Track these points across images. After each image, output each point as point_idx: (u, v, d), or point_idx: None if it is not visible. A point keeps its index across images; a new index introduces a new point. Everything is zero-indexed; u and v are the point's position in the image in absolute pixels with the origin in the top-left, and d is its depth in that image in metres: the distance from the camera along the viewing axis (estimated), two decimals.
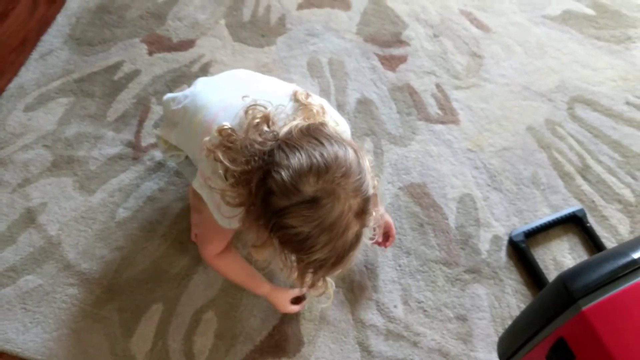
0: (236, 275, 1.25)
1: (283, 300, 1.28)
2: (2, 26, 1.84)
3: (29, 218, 1.46)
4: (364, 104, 1.66)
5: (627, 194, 1.51)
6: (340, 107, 1.65)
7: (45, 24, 1.83)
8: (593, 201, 1.50)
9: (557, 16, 1.85)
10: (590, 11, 1.86)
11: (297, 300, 1.31)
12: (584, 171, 1.55)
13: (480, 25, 1.82)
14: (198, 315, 1.33)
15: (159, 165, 1.53)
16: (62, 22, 1.82)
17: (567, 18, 1.85)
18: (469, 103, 1.67)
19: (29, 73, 1.71)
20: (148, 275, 1.38)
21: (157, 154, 1.55)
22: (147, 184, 1.51)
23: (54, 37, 1.79)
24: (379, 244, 1.36)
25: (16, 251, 1.41)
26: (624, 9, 1.85)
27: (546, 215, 1.47)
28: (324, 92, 1.68)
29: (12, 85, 1.69)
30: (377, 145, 1.59)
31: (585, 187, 1.53)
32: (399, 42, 1.79)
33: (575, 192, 1.52)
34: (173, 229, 1.44)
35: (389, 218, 1.36)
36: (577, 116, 1.65)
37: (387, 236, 1.36)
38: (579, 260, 1.41)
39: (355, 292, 1.36)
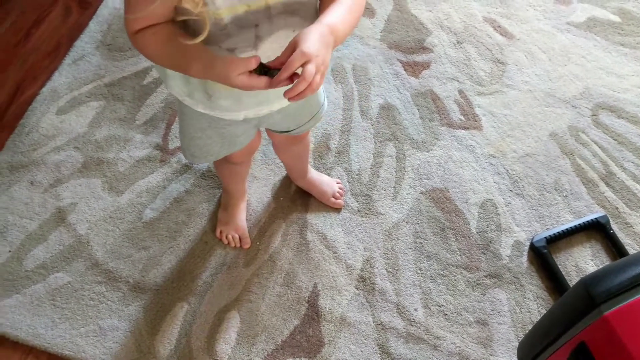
0: (160, 51, 0.88)
1: (226, 73, 0.81)
2: (37, 32, 1.90)
3: (60, 217, 1.51)
4: (387, 109, 1.68)
5: None
6: (363, 113, 1.67)
7: (78, 30, 1.88)
8: (617, 208, 1.49)
9: (581, 23, 1.85)
10: (615, 18, 1.85)
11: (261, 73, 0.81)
12: (608, 178, 1.55)
13: (504, 33, 1.83)
14: (221, 314, 1.36)
15: (186, 168, 1.57)
16: (94, 29, 1.88)
17: (592, 25, 1.84)
18: (491, 109, 1.67)
19: (62, 77, 1.77)
20: (173, 274, 1.41)
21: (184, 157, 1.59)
22: (173, 185, 1.55)
23: (86, 42, 1.84)
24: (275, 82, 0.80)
25: (47, 249, 1.46)
26: None
27: (568, 222, 1.47)
28: (348, 98, 1.70)
29: (46, 89, 1.74)
30: (400, 150, 1.60)
31: (609, 193, 1.52)
32: (423, 48, 1.80)
33: (598, 199, 1.51)
34: (198, 230, 1.47)
35: (309, 33, 0.80)
36: (602, 123, 1.64)
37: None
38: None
39: (376, 294, 1.37)
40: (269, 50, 0.87)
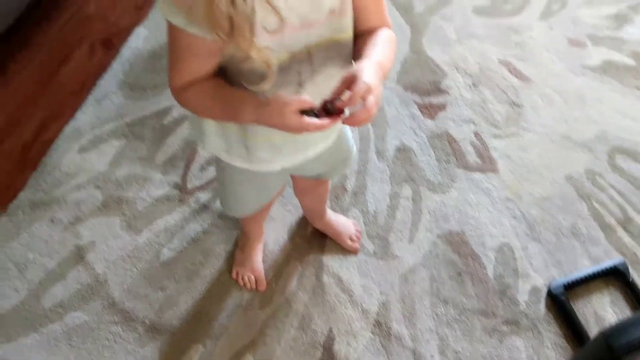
0: (209, 104, 0.90)
1: (283, 113, 0.81)
2: (63, 71, 1.95)
3: (79, 255, 1.53)
4: (403, 151, 1.70)
5: None
6: (379, 154, 1.69)
7: (101, 69, 1.93)
8: (635, 254, 1.48)
9: (597, 66, 1.86)
10: (630, 61, 1.87)
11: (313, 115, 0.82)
12: (626, 223, 1.54)
13: (520, 75, 1.85)
14: (236, 357, 1.36)
15: (204, 208, 1.59)
16: (117, 68, 1.92)
17: (608, 68, 1.86)
18: (507, 152, 1.68)
19: (85, 116, 1.81)
20: (189, 315, 1.42)
21: (203, 196, 1.61)
22: (191, 225, 1.56)
23: (109, 82, 1.89)
24: (338, 112, 0.82)
25: (65, 288, 1.47)
26: None
27: (586, 267, 1.46)
28: (364, 139, 1.72)
29: (69, 128, 1.78)
30: (416, 193, 1.61)
31: (627, 239, 1.51)
32: (439, 90, 1.83)
33: (616, 245, 1.50)
34: (215, 271, 1.48)
35: (366, 67, 0.82)
36: (618, 167, 1.64)
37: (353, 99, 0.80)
38: (620, 315, 1.39)
39: (392, 340, 1.37)
40: (310, 96, 0.88)
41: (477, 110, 1.78)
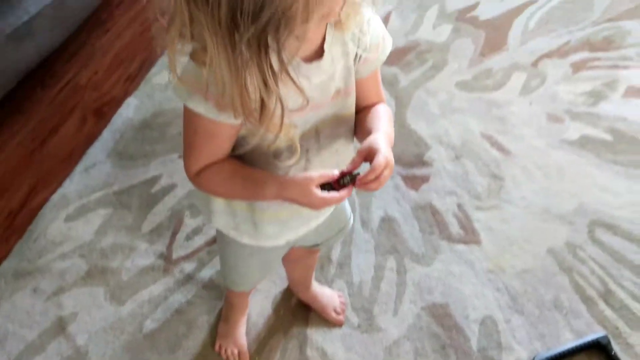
0: (229, 186, 0.91)
1: (306, 190, 0.84)
2: (53, 139, 1.98)
3: (60, 327, 1.51)
4: (388, 221, 1.72)
5: None
6: (364, 224, 1.71)
7: (91, 138, 1.97)
8: (617, 327, 1.49)
9: (575, 141, 1.92)
10: (607, 136, 1.93)
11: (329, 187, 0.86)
12: (607, 296, 1.56)
13: (501, 148, 1.90)
14: None
15: (188, 278, 1.59)
16: (107, 137, 1.96)
17: (585, 143, 1.91)
18: (490, 224, 1.71)
19: (73, 184, 1.82)
20: None
21: (188, 267, 1.61)
22: (175, 296, 1.56)
23: (98, 151, 1.92)
24: (358, 184, 0.85)
25: None
26: None
27: (569, 341, 1.47)
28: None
29: (56, 196, 1.79)
30: (400, 264, 1.62)
31: (609, 312, 1.53)
32: (422, 162, 1.87)
33: (598, 318, 1.52)
34: (198, 343, 1.47)
35: (379, 140, 0.86)
36: (598, 240, 1.67)
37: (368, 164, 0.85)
38: None
39: None
40: (316, 171, 0.91)
41: (460, 182, 1.82)
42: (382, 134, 0.88)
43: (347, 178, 0.84)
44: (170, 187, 1.80)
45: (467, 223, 1.72)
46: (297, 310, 1.53)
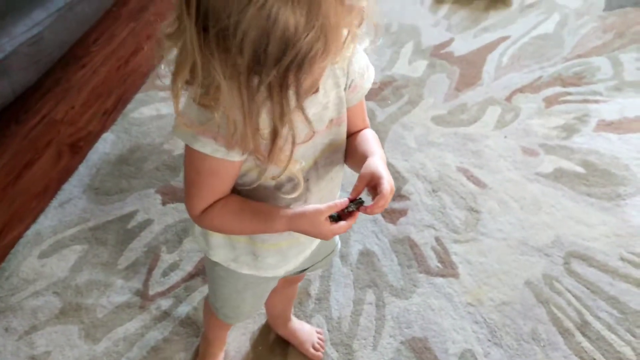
0: (237, 222, 0.92)
1: (316, 222, 0.86)
2: (27, 174, 1.96)
3: None
4: (367, 255, 1.72)
5: (628, 352, 1.52)
6: (343, 258, 1.71)
7: (67, 173, 1.95)
8: (594, 359, 1.50)
9: (549, 173, 1.96)
10: (580, 169, 1.97)
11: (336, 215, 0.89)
12: (583, 327, 1.57)
13: (477, 182, 1.93)
14: None
15: (165, 315, 1.56)
16: (83, 172, 1.94)
17: (560, 175, 1.95)
18: (467, 257, 1.72)
19: (47, 220, 1.80)
20: None
21: (164, 303, 1.59)
22: (152, 333, 1.53)
23: (74, 186, 1.90)
24: (363, 209, 0.88)
25: None
26: (612, 167, 1.96)
27: None
28: None
29: (30, 232, 1.76)
30: (379, 298, 1.62)
31: (586, 344, 1.53)
32: (400, 196, 1.88)
33: (575, 349, 1.52)
34: None
35: (379, 165, 0.89)
36: (574, 271, 1.69)
37: (374, 191, 0.88)
38: None
39: None
40: (315, 201, 0.93)
41: (437, 215, 1.83)
42: (378, 157, 0.90)
43: (353, 205, 0.87)
44: (147, 223, 1.79)
45: (445, 256, 1.73)
46: (275, 346, 1.51)
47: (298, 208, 0.88)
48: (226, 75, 0.69)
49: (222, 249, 1.04)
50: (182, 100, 0.78)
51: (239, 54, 0.67)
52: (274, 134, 0.74)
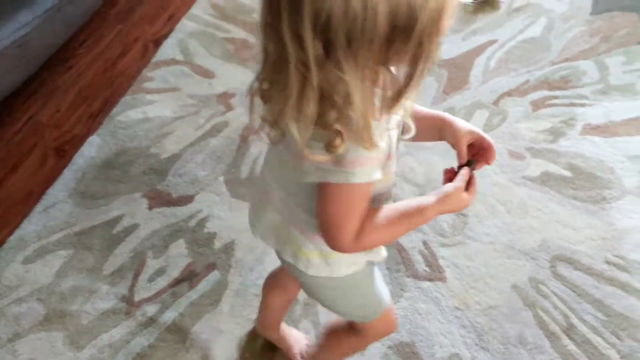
0: (392, 230, 0.91)
1: (460, 197, 0.94)
2: (11, 179, 1.94)
3: None
4: None
5: (613, 354, 1.52)
6: None
7: (52, 177, 1.93)
8: None
9: (536, 177, 1.96)
10: (567, 173, 1.98)
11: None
12: (569, 330, 1.57)
13: None
14: None
15: (151, 321, 1.55)
16: (68, 176, 1.92)
17: (546, 179, 1.96)
18: (455, 260, 1.72)
19: (31, 225, 1.78)
20: None
21: (150, 309, 1.57)
22: (137, 339, 1.52)
23: (59, 190, 1.88)
24: (479, 166, 1.03)
25: None
26: (597, 171, 1.97)
27: None
28: None
29: (13, 237, 1.74)
30: None
31: (572, 347, 1.54)
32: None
33: (561, 352, 1.53)
34: None
35: (463, 123, 1.01)
36: (560, 274, 1.70)
37: (480, 151, 1.03)
38: None
39: None
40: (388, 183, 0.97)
41: None
42: (453, 117, 1.00)
43: (470, 168, 0.99)
44: (133, 228, 1.77)
45: (433, 260, 1.73)
46: (263, 353, 1.51)
47: (435, 193, 0.93)
48: (358, 75, 0.69)
49: (343, 260, 1.00)
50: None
51: (368, 44, 0.67)
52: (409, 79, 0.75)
